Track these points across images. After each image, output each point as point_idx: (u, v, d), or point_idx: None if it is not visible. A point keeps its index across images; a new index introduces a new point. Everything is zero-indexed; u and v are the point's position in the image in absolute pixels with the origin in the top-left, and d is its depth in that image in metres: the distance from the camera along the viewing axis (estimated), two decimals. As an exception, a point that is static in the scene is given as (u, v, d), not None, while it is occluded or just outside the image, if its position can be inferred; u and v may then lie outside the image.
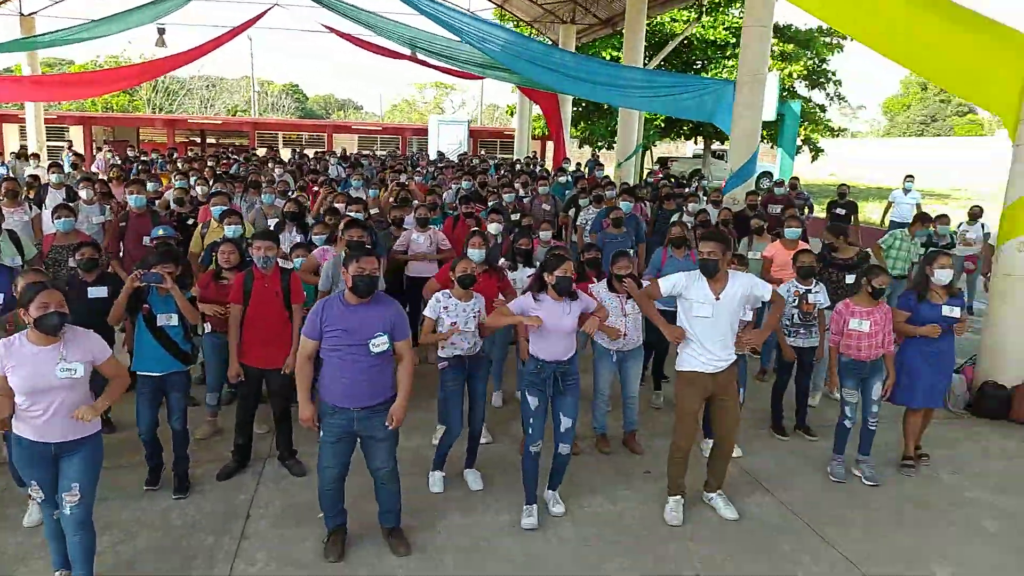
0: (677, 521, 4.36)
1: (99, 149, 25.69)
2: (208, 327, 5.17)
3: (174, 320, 4.45)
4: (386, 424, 3.76)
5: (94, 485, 3.47)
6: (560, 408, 4.26)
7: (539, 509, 4.36)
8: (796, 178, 13.63)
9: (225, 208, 6.45)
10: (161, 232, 5.90)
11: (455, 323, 4.46)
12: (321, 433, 3.81)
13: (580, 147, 29.11)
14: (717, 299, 4.11)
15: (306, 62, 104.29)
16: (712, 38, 22.34)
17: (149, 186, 8.56)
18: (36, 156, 15.65)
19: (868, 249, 7.34)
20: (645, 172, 20.25)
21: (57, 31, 16.31)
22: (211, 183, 9.09)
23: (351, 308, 3.71)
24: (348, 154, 18.68)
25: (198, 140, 30.08)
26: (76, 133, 27.93)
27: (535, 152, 21.98)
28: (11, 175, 11.80)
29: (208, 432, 5.35)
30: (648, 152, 30.02)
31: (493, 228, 6.58)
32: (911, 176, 12.29)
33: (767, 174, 19.20)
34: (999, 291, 6.32)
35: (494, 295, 5.02)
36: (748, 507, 4.64)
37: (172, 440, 4.56)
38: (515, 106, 25.38)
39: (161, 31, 19.70)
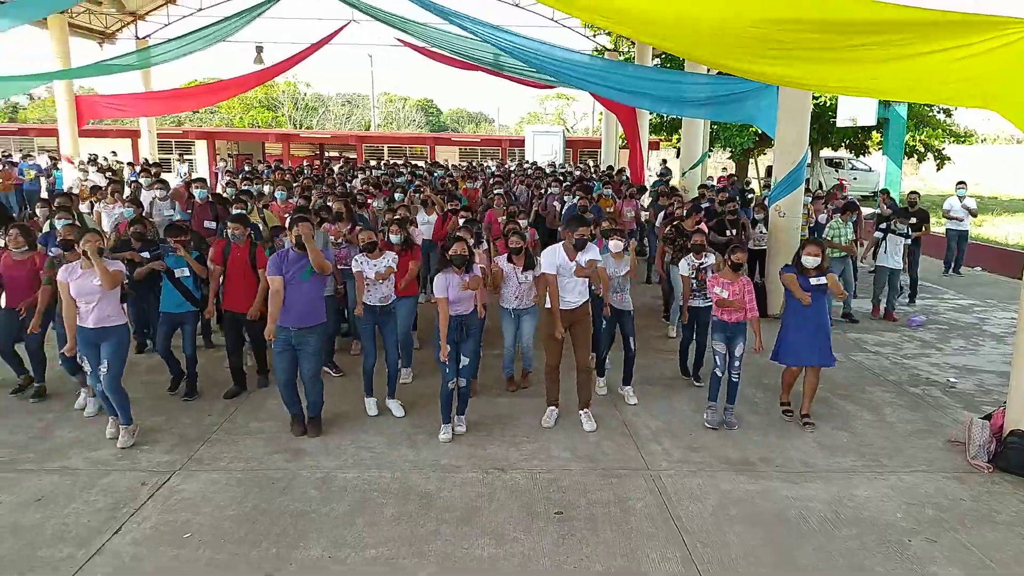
0: (549, 424, 5.84)
1: (223, 161, 27.79)
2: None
3: (186, 273, 6.30)
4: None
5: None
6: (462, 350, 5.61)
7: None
8: (886, 190, 12.79)
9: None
10: (177, 217, 8.87)
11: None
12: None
13: (678, 156, 27.99)
14: (572, 263, 5.69)
15: (441, 77, 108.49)
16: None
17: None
18: (157, 165, 16.77)
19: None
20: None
21: (165, 42, 17.31)
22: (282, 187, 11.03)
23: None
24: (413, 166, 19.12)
25: (318, 152, 31.84)
26: (201, 147, 30.29)
27: (620, 166, 21.27)
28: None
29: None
30: (754, 160, 28.43)
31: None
32: (963, 183, 12.69)
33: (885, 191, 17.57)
34: (1027, 323, 5.21)
35: (404, 267, 6.41)
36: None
37: (186, 360, 6.39)
38: (603, 115, 24.84)
39: (259, 49, 20.90)
